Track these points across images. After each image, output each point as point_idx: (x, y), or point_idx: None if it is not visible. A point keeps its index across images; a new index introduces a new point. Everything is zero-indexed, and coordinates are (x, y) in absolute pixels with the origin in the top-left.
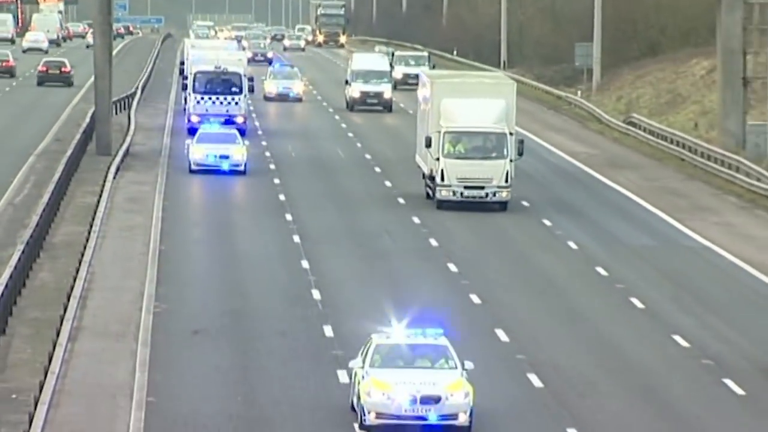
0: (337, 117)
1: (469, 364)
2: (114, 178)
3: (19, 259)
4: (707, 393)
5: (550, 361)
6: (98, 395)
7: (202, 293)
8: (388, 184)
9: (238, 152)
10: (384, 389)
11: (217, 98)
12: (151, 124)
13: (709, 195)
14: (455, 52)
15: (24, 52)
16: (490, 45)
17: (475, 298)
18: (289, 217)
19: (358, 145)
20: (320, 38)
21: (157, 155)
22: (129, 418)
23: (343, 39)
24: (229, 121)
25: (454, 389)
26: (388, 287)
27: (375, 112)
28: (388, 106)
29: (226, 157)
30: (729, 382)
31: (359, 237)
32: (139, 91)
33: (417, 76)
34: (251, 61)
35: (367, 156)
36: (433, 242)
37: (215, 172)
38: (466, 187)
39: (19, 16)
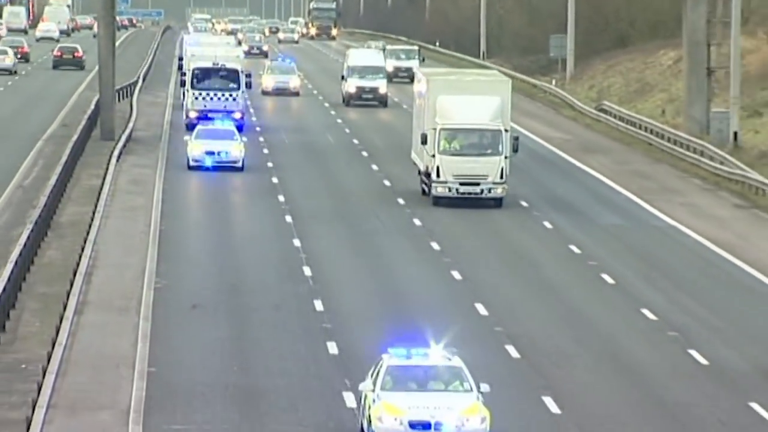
0: (326, 104)
1: (485, 387)
2: (117, 161)
3: (28, 237)
4: (673, 363)
5: (527, 334)
6: (102, 365)
7: (200, 270)
8: (374, 167)
9: (236, 149)
10: (396, 414)
11: (215, 94)
12: (151, 110)
13: (675, 177)
14: (437, 44)
15: (37, 41)
16: (470, 37)
17: (456, 275)
18: (281, 198)
19: (347, 130)
20: (313, 31)
21: (157, 140)
22: (131, 387)
23: (334, 32)
24: (226, 117)
25: (470, 414)
26: (375, 265)
27: (370, 106)
28: (383, 101)
29: (224, 154)
30: (693, 352)
31: (348, 218)
32: (140, 80)
33: (408, 70)
34: (247, 54)
35: (355, 141)
36: (417, 222)
37: (213, 168)
38: (461, 184)
39: (31, 9)
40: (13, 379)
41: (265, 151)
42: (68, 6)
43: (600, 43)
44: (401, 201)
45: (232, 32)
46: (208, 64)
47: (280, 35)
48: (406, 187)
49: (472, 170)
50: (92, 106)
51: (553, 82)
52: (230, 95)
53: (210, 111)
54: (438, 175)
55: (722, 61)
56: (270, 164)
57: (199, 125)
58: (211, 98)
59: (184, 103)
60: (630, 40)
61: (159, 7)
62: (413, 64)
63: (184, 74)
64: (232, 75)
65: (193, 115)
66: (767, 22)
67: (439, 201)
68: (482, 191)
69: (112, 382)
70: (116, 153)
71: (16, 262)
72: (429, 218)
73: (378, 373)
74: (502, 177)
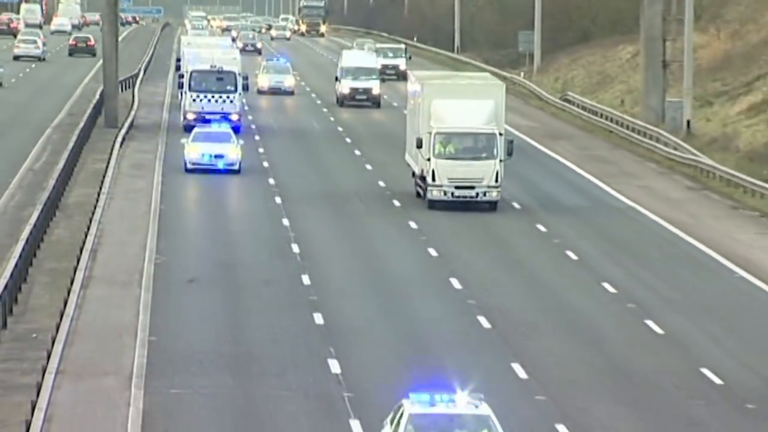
0: (308, 88)
1: None
2: (120, 147)
3: (38, 217)
4: (631, 332)
5: (497, 306)
6: (107, 335)
7: (197, 247)
8: (357, 152)
9: (233, 151)
10: None
11: (213, 96)
12: (152, 100)
13: (632, 162)
14: (415, 39)
15: (52, 34)
16: (445, 33)
17: (432, 252)
18: (272, 181)
19: (340, 129)
20: (303, 28)
21: (157, 128)
22: (133, 354)
23: (323, 29)
24: (223, 119)
25: None
26: (358, 242)
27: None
28: (376, 102)
29: (221, 156)
30: (650, 322)
31: (333, 199)
32: (142, 72)
33: (395, 67)
34: (242, 51)
35: (332, 119)
36: (396, 203)
37: (210, 171)
38: (457, 187)
39: (43, 7)
40: (25, 347)
41: (257, 137)
42: (78, 3)
43: (564, 39)
44: (382, 183)
45: (227, 29)
46: (206, 67)
47: (273, 32)
48: (373, 156)
49: (467, 174)
50: (97, 96)
51: (522, 74)
52: (227, 97)
53: (207, 113)
54: (433, 179)
55: (676, 55)
56: (261, 149)
57: (197, 128)
58: (209, 100)
59: (182, 104)
60: (592, 36)
61: (158, 5)
62: (400, 62)
63: (182, 76)
64: (230, 77)
65: (190, 116)
66: (718, 19)
67: (435, 204)
68: (477, 194)
69: (115, 350)
70: (119, 139)
71: (27, 240)
72: (407, 201)
73: (398, 422)
74: (497, 180)
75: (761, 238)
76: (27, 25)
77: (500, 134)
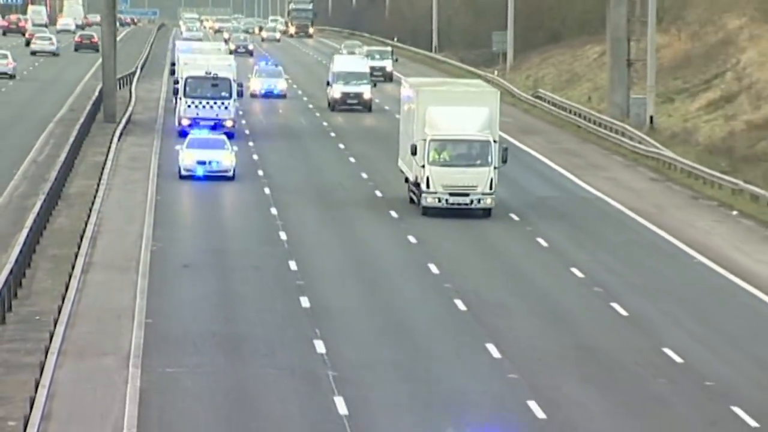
0: (289, 81)
1: None
2: (118, 141)
3: (41, 207)
4: (598, 314)
5: (472, 289)
6: (106, 317)
7: (191, 234)
8: (341, 146)
9: (227, 158)
10: None
11: (208, 103)
12: (148, 97)
13: (599, 155)
14: (395, 39)
15: (57, 33)
16: (423, 33)
17: (412, 239)
18: (260, 173)
19: (317, 114)
20: (292, 30)
21: (153, 123)
22: (131, 335)
23: (311, 30)
24: (217, 125)
25: None
26: (341, 229)
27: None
28: (367, 106)
29: (216, 163)
30: (615, 305)
31: (319, 189)
32: (138, 70)
33: (381, 69)
34: (234, 53)
35: (325, 123)
36: (378, 194)
37: (204, 178)
38: (451, 194)
39: (48, 8)
40: (29, 328)
41: (246, 131)
42: (80, 5)
43: (535, 39)
44: (365, 175)
45: (220, 30)
46: (201, 73)
47: (263, 34)
48: (354, 146)
49: (462, 181)
50: (96, 93)
51: (496, 72)
52: (222, 104)
53: (202, 119)
54: (428, 186)
55: (640, 54)
56: (251, 143)
57: (191, 134)
58: (204, 106)
59: (177, 110)
60: (561, 37)
61: (154, 7)
62: (387, 63)
63: (177, 82)
64: (224, 84)
65: (185, 122)
66: (679, 21)
67: (429, 211)
68: (471, 202)
69: (114, 332)
70: (117, 133)
71: (30, 228)
72: (388, 190)
73: None
74: (491, 188)
75: (718, 225)
76: (34, 25)
77: (495, 141)
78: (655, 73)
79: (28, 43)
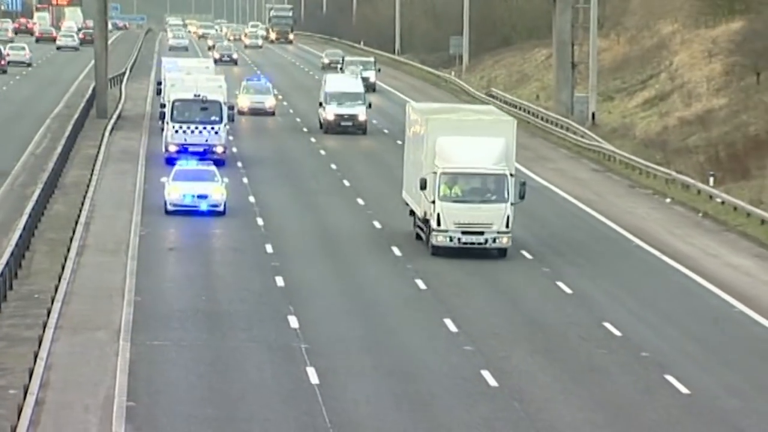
0: (279, 98)
1: None
2: (109, 135)
3: (39, 195)
4: (543, 291)
5: (432, 270)
6: (99, 295)
7: (176, 220)
8: (312, 139)
9: (217, 191)
10: None
11: (197, 127)
12: (137, 95)
13: (547, 148)
14: (362, 43)
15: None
16: (387, 37)
17: (377, 224)
18: (239, 164)
19: (291, 111)
20: (272, 36)
21: (141, 118)
22: (121, 312)
23: (291, 36)
24: (207, 151)
25: None
26: (314, 215)
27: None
28: (362, 129)
29: (205, 197)
30: (561, 284)
31: (293, 179)
32: (128, 71)
33: (365, 80)
34: (218, 62)
35: (298, 119)
36: (346, 183)
37: (193, 212)
38: (464, 233)
39: (51, 14)
40: (28, 305)
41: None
42: (79, 9)
43: (489, 43)
44: (334, 166)
45: (204, 36)
46: (189, 96)
47: (246, 41)
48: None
49: (475, 218)
50: (90, 91)
51: (452, 73)
52: (212, 128)
53: (191, 145)
54: (438, 224)
55: (583, 57)
56: (234, 149)
57: (177, 165)
58: (192, 131)
59: (164, 135)
60: (512, 41)
61: (142, 13)
62: (370, 74)
63: (164, 105)
64: (214, 107)
65: (172, 149)
66: (618, 26)
67: (439, 251)
68: (486, 241)
69: (106, 309)
70: (109, 128)
71: (29, 214)
72: (355, 180)
73: None
74: (507, 226)
75: (654, 212)
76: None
77: (511, 175)
78: (597, 74)
79: (37, 41)
